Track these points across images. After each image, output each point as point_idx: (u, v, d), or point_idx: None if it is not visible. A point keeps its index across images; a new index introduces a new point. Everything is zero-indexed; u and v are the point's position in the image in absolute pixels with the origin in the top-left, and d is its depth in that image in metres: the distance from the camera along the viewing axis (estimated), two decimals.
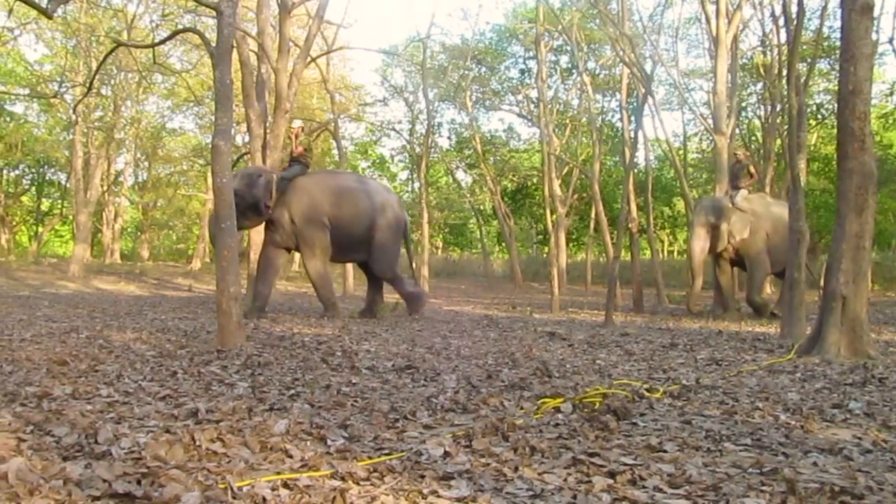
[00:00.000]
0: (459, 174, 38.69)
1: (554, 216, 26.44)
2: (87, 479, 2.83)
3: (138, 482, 2.80)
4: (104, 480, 2.79)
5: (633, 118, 21.21)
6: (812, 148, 28.44)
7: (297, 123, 13.04)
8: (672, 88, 29.45)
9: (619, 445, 3.56)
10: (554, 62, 32.34)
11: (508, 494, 2.83)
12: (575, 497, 2.79)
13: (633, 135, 14.76)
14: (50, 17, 8.70)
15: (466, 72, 31.07)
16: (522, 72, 34.44)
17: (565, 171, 30.73)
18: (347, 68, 34.00)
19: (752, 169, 14.48)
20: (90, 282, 22.01)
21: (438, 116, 34.88)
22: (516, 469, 3.13)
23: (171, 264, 35.23)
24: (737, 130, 24.62)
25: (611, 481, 2.97)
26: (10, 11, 19.11)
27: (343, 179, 12.88)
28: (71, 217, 34.17)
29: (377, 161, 44.24)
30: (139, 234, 40.12)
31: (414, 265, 14.85)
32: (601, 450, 3.45)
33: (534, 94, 31.81)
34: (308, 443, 3.52)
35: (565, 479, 3.02)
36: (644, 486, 2.94)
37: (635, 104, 22.32)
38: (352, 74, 46.52)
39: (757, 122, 30.09)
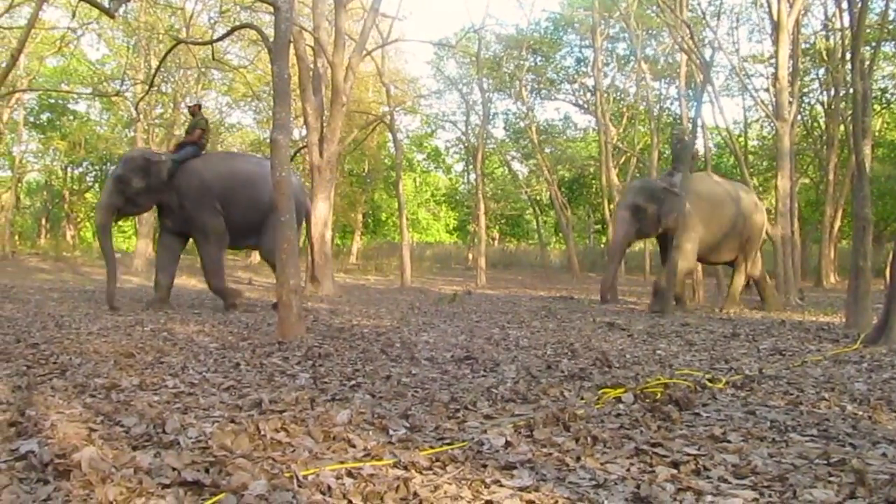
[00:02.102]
0: (515, 165, 38.55)
1: (612, 206, 26.21)
2: (157, 467, 2.90)
3: (206, 470, 2.86)
4: (174, 469, 2.85)
5: (692, 106, 20.92)
6: (877, 133, 27.75)
7: (193, 101, 12.59)
8: (732, 74, 28.94)
9: (682, 436, 3.54)
10: (610, 50, 32.01)
11: (571, 484, 2.83)
12: (638, 487, 2.77)
13: (692, 123, 14.48)
14: (112, 17, 8.89)
15: (521, 62, 30.93)
16: (578, 60, 34.19)
17: (623, 160, 30.46)
18: (402, 60, 34.06)
19: (694, 151, 13.65)
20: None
21: (493, 107, 34.81)
22: (578, 459, 3.13)
23: (232, 257, 35.71)
24: (798, 116, 24.14)
25: (674, 471, 2.96)
26: (74, 13, 19.50)
27: (238, 162, 12.15)
28: None
29: (432, 153, 44.31)
30: None
31: (311, 255, 14.41)
32: (664, 440, 3.43)
33: (590, 82, 31.54)
34: (370, 432, 3.56)
35: (628, 469, 3.01)
36: (708, 477, 2.92)
37: (694, 91, 22.00)
38: (406, 67, 46.65)
39: (819, 107, 29.42)
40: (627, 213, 12.88)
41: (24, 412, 3.83)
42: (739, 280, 13.40)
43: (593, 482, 2.85)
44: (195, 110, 11.61)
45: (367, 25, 17.70)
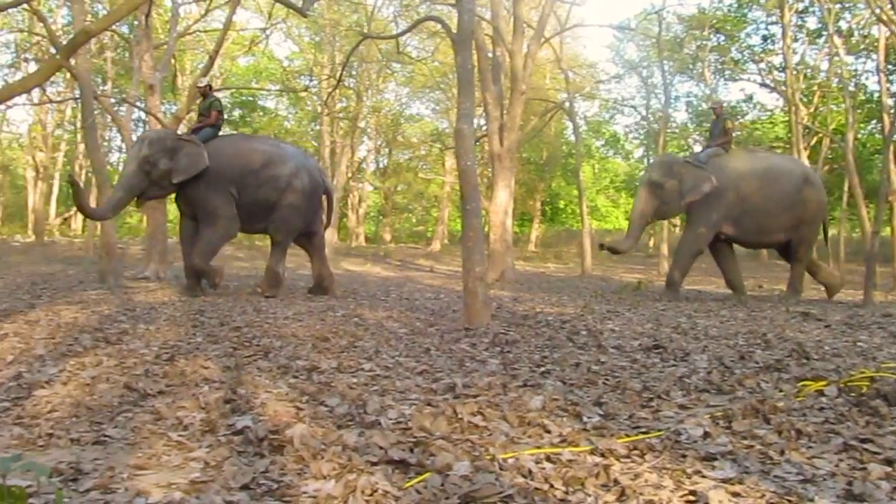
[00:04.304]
0: (698, 148, 37.41)
1: None
2: (363, 445, 3.03)
3: (411, 450, 2.97)
4: (380, 447, 2.97)
5: (892, 81, 19.63)
6: None
7: (204, 82, 11.84)
8: None
9: (894, 432, 3.34)
10: (799, 25, 30.45)
11: (777, 478, 2.74)
12: (850, 483, 2.66)
13: (892, 100, 13.53)
14: (305, 16, 9.24)
15: (704, 42, 29.94)
16: (765, 38, 32.65)
17: (814, 140, 28.95)
18: (581, 46, 33.79)
19: (728, 125, 12.20)
20: (339, 264, 23.27)
21: (675, 90, 33.93)
22: (782, 452, 3.03)
23: (412, 246, 36.59)
24: None
25: (888, 469, 2.81)
26: (270, 14, 20.47)
27: (254, 143, 11.54)
28: None
29: (611, 139, 43.70)
30: (381, 217, 41.95)
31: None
32: (873, 436, 3.25)
33: (777, 60, 30.14)
34: (564, 419, 3.58)
35: (837, 465, 2.89)
36: None
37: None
38: (585, 52, 46.18)
39: None
40: (644, 191, 11.94)
41: (235, 390, 4.10)
42: (799, 268, 12.11)
43: (800, 477, 2.76)
44: (206, 91, 11.17)
45: (546, 12, 17.66)
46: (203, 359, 5.13)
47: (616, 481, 2.65)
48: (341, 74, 14.68)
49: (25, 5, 11.66)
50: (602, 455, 2.97)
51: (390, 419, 3.47)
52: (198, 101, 11.76)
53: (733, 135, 12.12)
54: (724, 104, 12.97)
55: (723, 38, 31.21)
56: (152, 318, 7.45)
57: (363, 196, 39.02)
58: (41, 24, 17.07)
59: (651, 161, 12.51)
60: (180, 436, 3.32)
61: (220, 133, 11.07)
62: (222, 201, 10.29)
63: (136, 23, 16.02)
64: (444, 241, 35.40)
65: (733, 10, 31.05)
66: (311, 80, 30.54)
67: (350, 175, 33.95)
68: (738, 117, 35.24)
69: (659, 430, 3.36)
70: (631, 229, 12.20)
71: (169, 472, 2.86)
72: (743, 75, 33.52)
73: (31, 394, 4.12)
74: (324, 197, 11.37)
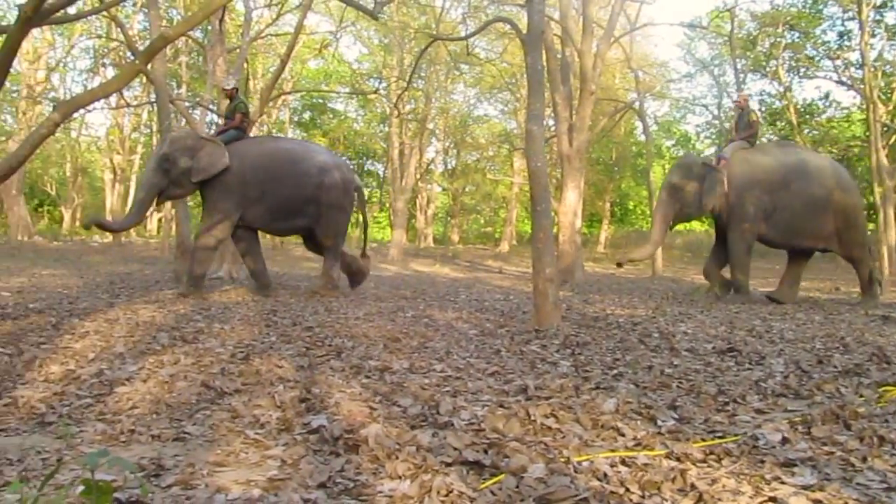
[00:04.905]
0: None
1: (881, 189, 24.33)
2: (437, 446, 3.05)
3: (485, 451, 2.97)
4: (454, 448, 2.99)
5: None
6: None
7: (231, 84, 11.63)
8: None
9: None
10: (877, 21, 29.63)
11: (859, 486, 2.68)
12: None
13: None
14: (376, 19, 9.33)
15: (778, 39, 29.35)
16: (841, 34, 31.81)
17: (893, 139, 28.16)
18: (651, 45, 33.42)
19: (752, 117, 11.72)
20: (408, 264, 23.46)
21: (748, 88, 33.28)
22: (864, 459, 2.96)
23: (480, 247, 36.62)
24: None
25: None
26: (341, 19, 20.69)
27: (278, 143, 11.50)
28: (388, 204, 36.53)
29: (681, 138, 43.10)
30: (449, 218, 42.08)
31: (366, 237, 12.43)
32: None
33: (854, 56, 29.38)
34: (638, 422, 3.54)
35: None
36: None
37: None
38: (655, 51, 45.67)
39: None
40: (665, 194, 11.54)
41: (309, 390, 4.16)
42: (863, 271, 11.31)
43: (884, 485, 2.69)
44: (232, 94, 11.12)
45: (615, 11, 17.51)
46: (277, 358, 5.22)
47: (693, 486, 2.61)
48: (411, 76, 14.74)
49: (104, 12, 11.96)
50: (678, 459, 2.94)
51: (463, 420, 3.48)
52: (224, 104, 11.82)
53: (758, 128, 11.74)
54: (751, 97, 12.48)
55: (797, 34, 30.54)
56: (226, 318, 7.60)
57: (431, 197, 39.18)
58: (119, 30, 17.53)
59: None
60: (257, 434, 3.38)
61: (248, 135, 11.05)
62: (232, 207, 10.20)
63: (209, 28, 16.35)
64: (512, 242, 35.34)
65: (808, 6, 30.36)
66: (380, 83, 30.76)
67: (418, 176, 34.08)
68: (814, 115, 34.46)
69: (735, 435, 3.30)
70: (653, 234, 11.92)
71: (247, 470, 2.92)
72: (818, 73, 32.72)
73: (113, 391, 4.24)
74: (355, 195, 11.19)
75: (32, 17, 5.16)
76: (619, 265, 12.02)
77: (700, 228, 42.61)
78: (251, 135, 11.74)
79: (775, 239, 11.35)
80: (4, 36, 5.40)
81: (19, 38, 5.30)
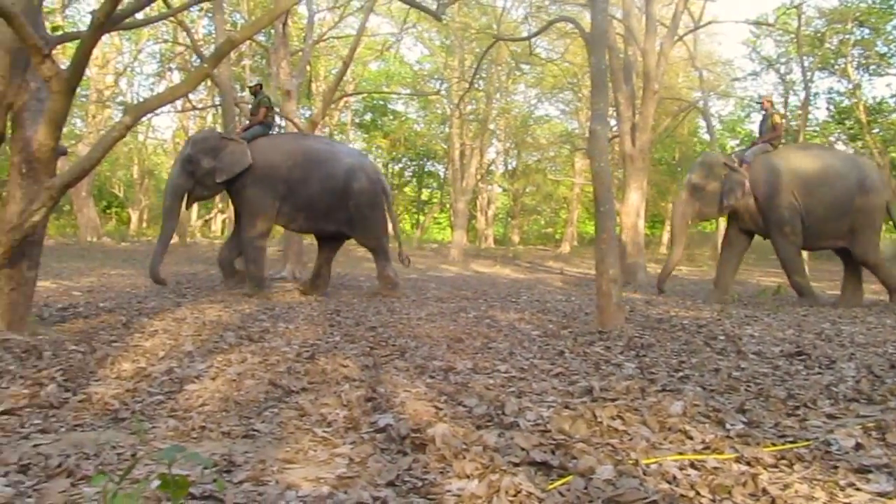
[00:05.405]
0: (840, 147, 35.89)
1: None
2: (504, 446, 3.05)
3: (552, 452, 2.97)
4: (522, 449, 2.99)
5: None
6: None
7: (254, 81, 11.44)
8: None
9: None
10: None
11: None
12: None
13: None
14: (440, 20, 9.35)
15: (847, 36, 28.70)
16: None
17: None
18: (715, 43, 32.93)
19: (776, 120, 11.35)
20: (469, 265, 23.46)
21: (815, 86, 32.62)
22: None
23: (541, 248, 36.47)
24: None
25: None
26: (405, 20, 20.80)
27: (306, 141, 11.32)
28: (449, 205, 36.60)
29: (746, 138, 42.39)
30: (510, 219, 41.97)
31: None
32: None
33: None
34: (706, 425, 3.50)
35: None
36: None
37: None
38: (720, 49, 45.01)
39: None
40: (685, 193, 11.48)
41: (375, 389, 4.20)
42: (881, 273, 11.08)
43: None
44: (256, 90, 11.16)
45: (679, 10, 17.31)
46: (342, 357, 5.27)
47: (765, 491, 2.58)
48: (473, 77, 14.74)
49: (171, 17, 12.21)
50: (748, 463, 2.90)
51: (529, 421, 3.48)
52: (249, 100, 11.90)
53: (783, 130, 11.50)
54: (773, 100, 12.18)
55: (867, 31, 29.82)
56: (291, 318, 7.70)
57: (492, 198, 39.12)
58: (185, 35, 17.87)
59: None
60: (325, 432, 3.42)
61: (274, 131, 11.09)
62: (267, 202, 10.23)
63: (273, 31, 16.56)
64: (573, 243, 35.11)
65: (878, 1, 29.63)
66: (441, 84, 30.82)
67: (479, 177, 34.06)
68: (885, 114, 33.63)
69: (807, 440, 3.25)
70: (675, 238, 11.89)
71: (316, 467, 2.95)
72: (889, 70, 31.91)
73: (183, 388, 4.32)
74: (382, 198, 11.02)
75: (104, 23, 5.28)
76: (661, 290, 11.98)
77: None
78: (307, 133, 11.79)
79: (804, 243, 11.23)
80: (78, 42, 5.52)
81: (92, 44, 5.43)
